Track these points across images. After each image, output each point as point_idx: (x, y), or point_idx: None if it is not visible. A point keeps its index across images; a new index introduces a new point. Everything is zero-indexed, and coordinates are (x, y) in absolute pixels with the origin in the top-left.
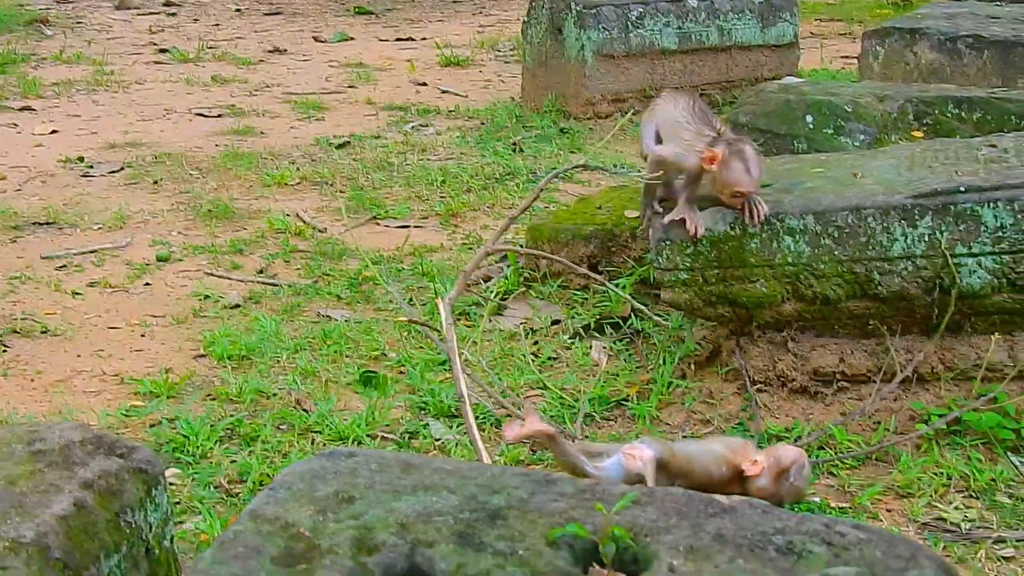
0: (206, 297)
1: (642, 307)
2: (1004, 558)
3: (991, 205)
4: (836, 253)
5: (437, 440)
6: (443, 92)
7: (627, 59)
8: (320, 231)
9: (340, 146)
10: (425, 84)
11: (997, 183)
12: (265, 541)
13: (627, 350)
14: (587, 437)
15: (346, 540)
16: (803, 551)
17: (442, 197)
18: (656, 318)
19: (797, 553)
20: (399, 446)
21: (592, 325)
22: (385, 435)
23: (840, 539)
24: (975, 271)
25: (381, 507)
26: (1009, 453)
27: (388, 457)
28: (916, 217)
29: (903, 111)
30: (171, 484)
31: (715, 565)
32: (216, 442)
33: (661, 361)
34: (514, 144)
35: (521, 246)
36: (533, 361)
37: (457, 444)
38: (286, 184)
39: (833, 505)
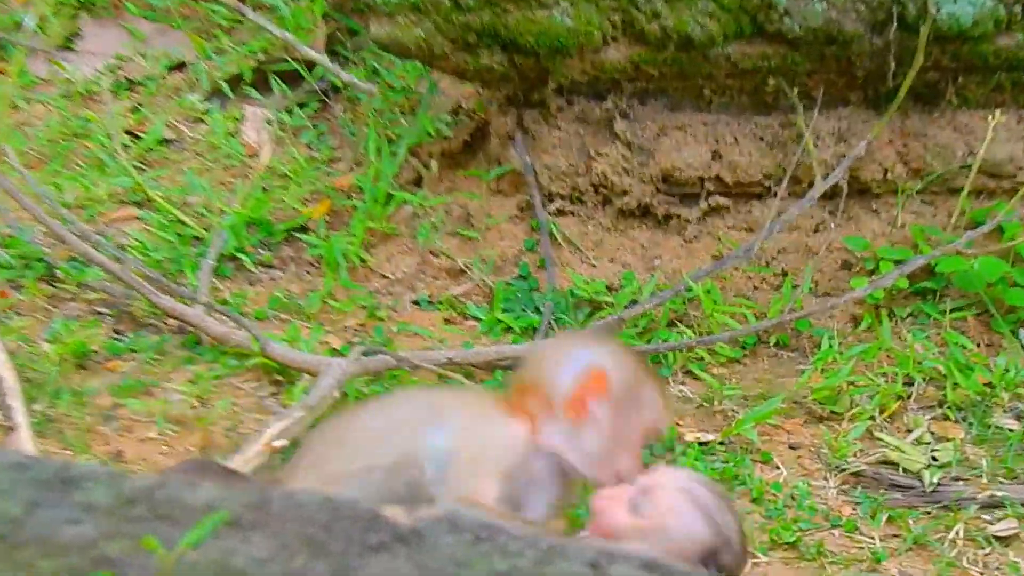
0: None
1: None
2: None
3: None
4: None
5: None
6: None
7: None
8: None
9: None
10: None
11: None
12: None
13: (314, 126)
14: (228, 303)
15: None
16: None
17: None
18: (359, 84)
19: None
20: None
21: (249, 76)
22: None
23: None
24: None
25: None
26: None
27: None
28: None
29: None
30: None
31: None
32: None
33: (376, 152)
34: None
35: None
36: (127, 151)
37: None
38: None
39: None
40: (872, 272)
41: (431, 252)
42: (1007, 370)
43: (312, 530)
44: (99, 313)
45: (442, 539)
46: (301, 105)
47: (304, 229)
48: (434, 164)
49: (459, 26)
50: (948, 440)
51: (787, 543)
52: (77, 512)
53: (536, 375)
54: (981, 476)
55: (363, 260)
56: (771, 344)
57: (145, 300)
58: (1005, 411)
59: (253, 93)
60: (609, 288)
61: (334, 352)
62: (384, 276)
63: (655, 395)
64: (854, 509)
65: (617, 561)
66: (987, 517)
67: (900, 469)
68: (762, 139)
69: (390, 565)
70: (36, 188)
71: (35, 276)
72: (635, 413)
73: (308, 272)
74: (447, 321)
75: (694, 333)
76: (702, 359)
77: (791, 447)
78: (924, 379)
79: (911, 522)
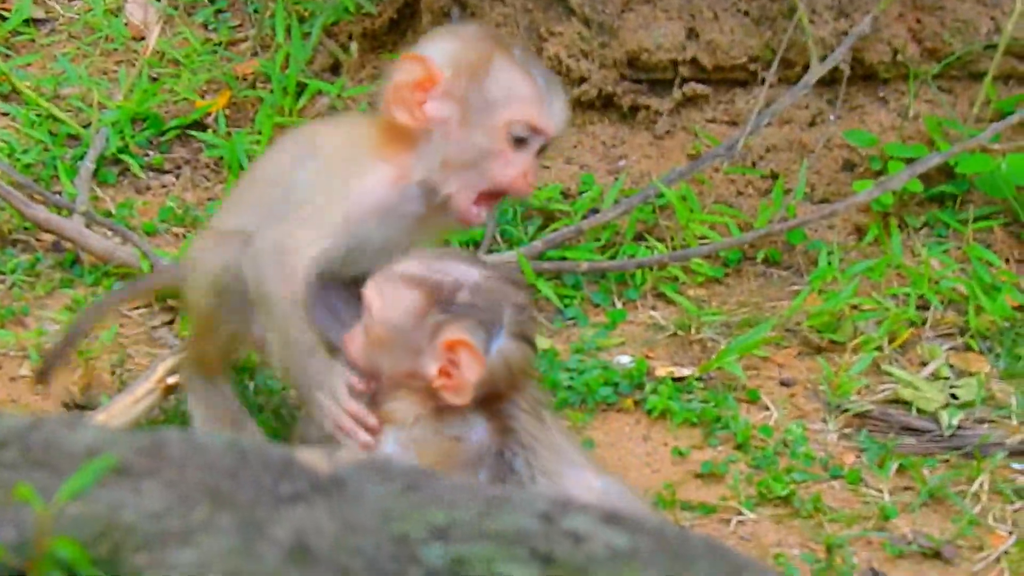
0: None
1: None
2: None
3: None
4: None
5: None
6: None
7: None
8: None
9: None
10: None
11: None
12: None
13: (210, 2)
14: (111, 214)
15: None
16: None
17: None
18: None
19: None
20: None
21: None
22: None
23: None
24: None
25: None
26: None
27: None
28: None
29: None
30: None
31: None
32: None
33: (284, 33)
34: None
35: None
36: None
37: None
38: None
39: None
40: (879, 173)
41: None
42: None
43: (215, 478)
44: None
45: (368, 488)
46: None
47: (200, 126)
48: (354, 46)
49: None
50: (970, 375)
51: (779, 497)
52: None
53: None
54: (1010, 417)
55: None
56: (759, 260)
57: (13, 211)
58: None
59: None
60: (565, 194)
61: None
62: None
63: (519, 84)
64: (858, 457)
65: (572, 513)
66: (1017, 466)
67: (913, 409)
68: (747, 14)
69: (307, 518)
70: None
71: None
72: (487, 107)
73: (206, 177)
74: None
75: (666, 247)
76: (676, 279)
77: (783, 383)
78: (942, 302)
79: (926, 472)
